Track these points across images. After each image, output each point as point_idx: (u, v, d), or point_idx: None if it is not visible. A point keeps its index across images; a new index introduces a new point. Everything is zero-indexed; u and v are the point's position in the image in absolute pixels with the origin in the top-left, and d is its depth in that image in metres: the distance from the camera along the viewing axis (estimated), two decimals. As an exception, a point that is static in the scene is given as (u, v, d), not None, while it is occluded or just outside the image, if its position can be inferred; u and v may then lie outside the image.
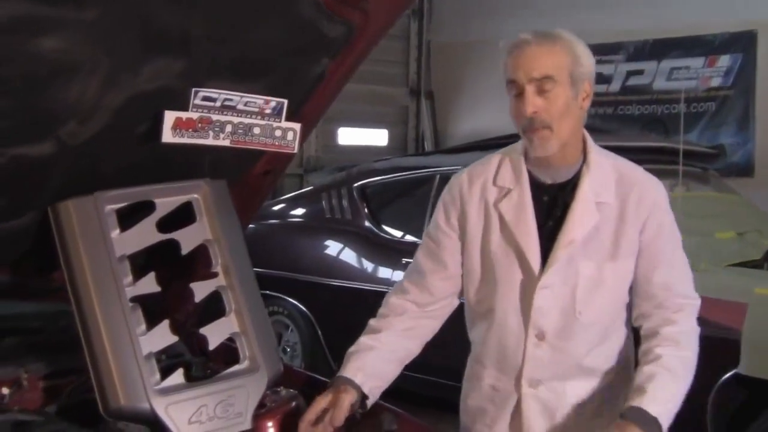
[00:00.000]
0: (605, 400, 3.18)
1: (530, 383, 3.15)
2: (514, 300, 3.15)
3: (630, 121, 12.64)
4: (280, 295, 8.05)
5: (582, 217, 3.07)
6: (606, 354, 3.18)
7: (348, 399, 3.10)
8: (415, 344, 3.34)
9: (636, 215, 3.06)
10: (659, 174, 6.99)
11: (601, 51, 12.71)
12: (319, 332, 8.07)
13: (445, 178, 7.42)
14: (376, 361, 3.23)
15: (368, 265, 7.94)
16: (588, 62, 3.04)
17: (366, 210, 8.06)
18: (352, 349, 3.29)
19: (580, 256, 3.08)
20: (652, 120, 12.48)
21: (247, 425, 3.13)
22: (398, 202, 8.29)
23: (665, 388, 2.98)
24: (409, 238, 7.81)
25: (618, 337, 3.20)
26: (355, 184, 8.17)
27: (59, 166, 3.02)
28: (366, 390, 3.17)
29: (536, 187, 3.15)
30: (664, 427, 2.93)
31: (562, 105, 2.97)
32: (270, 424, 3.23)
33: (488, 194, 3.20)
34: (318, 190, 8.61)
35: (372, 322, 3.34)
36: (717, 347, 5.26)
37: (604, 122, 12.23)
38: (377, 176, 8.20)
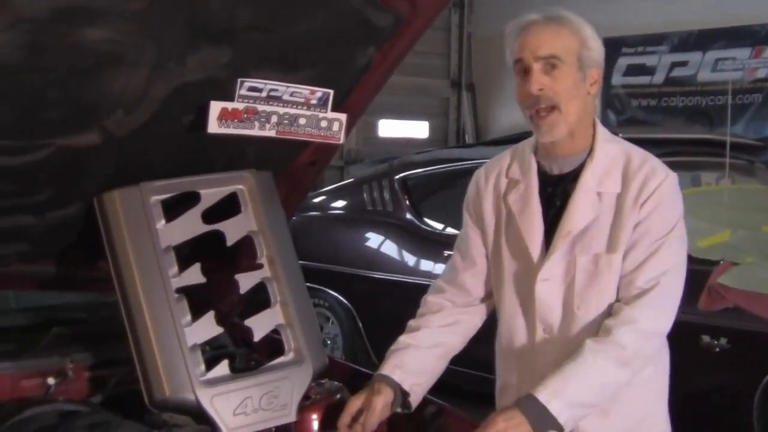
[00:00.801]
0: (615, 400, 3.02)
1: (543, 379, 3.10)
2: (519, 293, 3.13)
3: (674, 112, 12.55)
4: (321, 288, 8.03)
5: (580, 208, 3.00)
6: None
7: (381, 401, 3.07)
8: (456, 340, 3.30)
9: (634, 205, 2.95)
10: (705, 166, 7.00)
11: (644, 42, 12.66)
12: (360, 324, 8.04)
13: (488, 171, 7.47)
14: (415, 358, 3.20)
15: (409, 258, 7.90)
16: (596, 47, 2.98)
17: (407, 202, 8.02)
18: (391, 347, 3.25)
19: (579, 249, 3.01)
20: (696, 112, 12.38)
21: (292, 417, 3.12)
22: (440, 194, 8.24)
23: (565, 379, 2.84)
24: (450, 230, 7.75)
25: None
26: (397, 176, 8.12)
27: (105, 156, 3.02)
28: (406, 387, 3.14)
29: (543, 178, 3.10)
30: (558, 418, 2.80)
31: (570, 85, 2.92)
32: (315, 416, 3.23)
33: (500, 187, 3.20)
34: (359, 182, 8.58)
35: (411, 321, 3.32)
36: (765, 343, 5.21)
37: (648, 114, 12.17)
38: (419, 168, 8.16)
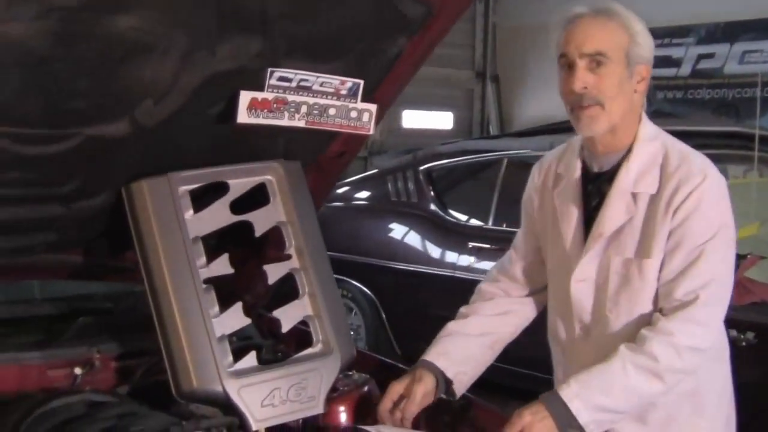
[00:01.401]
0: (653, 407, 2.98)
1: None
2: (559, 291, 3.11)
3: (700, 105, 12.49)
4: (345, 278, 8.02)
5: (613, 209, 2.95)
6: None
7: (422, 389, 3.06)
8: (507, 330, 3.28)
9: (667, 209, 2.87)
10: (732, 159, 6.95)
11: (671, 34, 12.59)
12: (383, 316, 8.04)
13: (513, 162, 7.46)
14: (461, 346, 3.19)
15: (434, 249, 7.89)
16: (646, 43, 2.90)
17: (432, 193, 8.01)
18: (439, 334, 3.25)
19: (613, 251, 2.96)
20: (723, 104, 12.32)
21: (320, 409, 3.10)
22: (465, 185, 8.25)
23: (589, 381, 2.80)
24: (475, 222, 7.75)
25: None
26: (422, 167, 8.12)
27: (134, 146, 3.00)
28: (450, 375, 3.13)
29: (586, 175, 3.07)
30: (579, 418, 2.76)
31: (615, 83, 2.85)
32: (342, 408, 3.20)
33: (549, 182, 3.18)
34: (384, 172, 8.57)
35: (462, 308, 3.32)
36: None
37: (674, 106, 12.11)
38: (444, 159, 8.15)
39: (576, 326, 3.08)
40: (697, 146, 6.35)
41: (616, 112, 2.88)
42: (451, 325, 3.26)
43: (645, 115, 3.02)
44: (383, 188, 8.35)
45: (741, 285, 5.27)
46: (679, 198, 2.84)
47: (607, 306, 2.98)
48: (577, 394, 2.79)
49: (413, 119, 14.69)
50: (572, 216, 3.06)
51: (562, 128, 5.64)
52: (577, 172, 3.07)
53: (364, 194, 8.63)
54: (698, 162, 2.92)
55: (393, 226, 8.28)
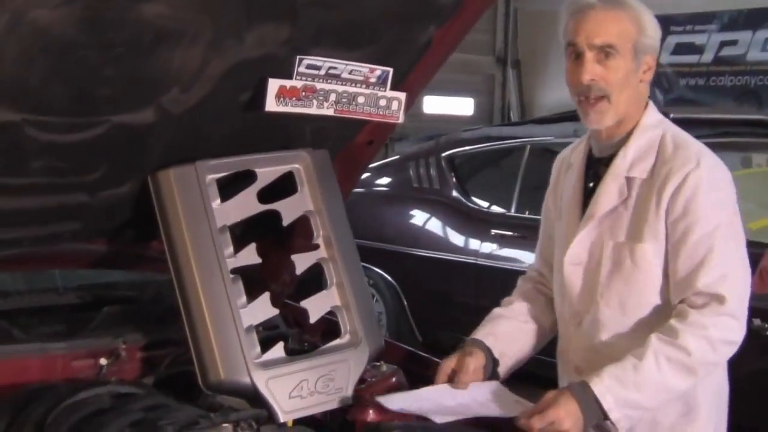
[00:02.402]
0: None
1: (576, 370, 3.06)
2: (558, 275, 3.12)
3: (722, 92, 12.41)
4: (366, 265, 7.96)
5: (606, 192, 2.96)
6: None
7: (474, 362, 3.03)
8: (549, 318, 3.26)
9: (661, 192, 2.85)
10: (756, 148, 6.90)
11: (693, 20, 12.53)
12: (405, 302, 8.01)
13: (536, 149, 7.41)
14: (505, 328, 3.20)
15: (455, 236, 7.84)
16: (654, 34, 2.90)
17: (454, 180, 7.96)
18: (486, 318, 3.25)
19: (606, 234, 2.96)
20: (745, 91, 12.24)
21: (348, 401, 3.07)
22: (487, 172, 8.21)
23: (622, 375, 2.75)
24: (497, 209, 7.71)
25: None
26: (444, 154, 8.06)
27: (160, 134, 2.97)
28: (496, 354, 3.11)
29: (589, 160, 3.09)
30: (610, 414, 2.73)
31: (622, 76, 2.86)
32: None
33: (563, 171, 3.21)
34: (405, 159, 8.52)
35: (507, 298, 3.34)
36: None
37: (696, 93, 12.05)
38: (466, 146, 8.09)
39: (569, 310, 3.09)
40: (721, 134, 6.38)
41: (622, 103, 2.89)
42: (497, 310, 3.28)
43: (651, 103, 3.03)
44: (405, 174, 8.31)
45: (765, 274, 5.24)
46: (672, 183, 2.83)
47: (599, 291, 2.97)
48: (609, 389, 2.75)
49: (434, 105, 14.65)
50: (571, 200, 3.09)
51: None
52: (582, 158, 3.10)
53: (385, 180, 8.58)
54: (693, 149, 2.90)
55: (415, 212, 8.24)
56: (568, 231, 3.06)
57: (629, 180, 2.93)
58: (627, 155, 2.94)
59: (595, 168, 3.05)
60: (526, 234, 6.97)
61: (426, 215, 8.15)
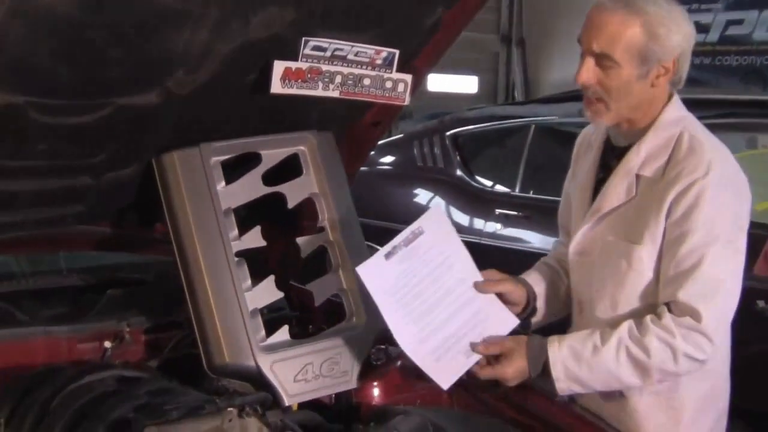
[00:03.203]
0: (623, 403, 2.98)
1: None
2: (567, 263, 3.11)
3: (727, 72, 12.36)
4: (370, 243, 7.96)
5: (615, 188, 2.91)
6: None
7: (518, 292, 3.05)
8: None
9: (665, 195, 2.78)
10: (762, 128, 6.86)
11: (699, -1, 12.47)
12: (408, 281, 7.97)
13: (541, 128, 7.37)
14: (541, 269, 3.23)
15: (459, 216, 7.80)
16: (668, 42, 2.75)
17: (458, 159, 7.92)
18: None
19: (608, 229, 2.92)
20: (750, 71, 12.20)
21: (353, 384, 3.07)
22: (492, 151, 8.15)
23: (581, 350, 2.78)
24: (501, 188, 7.68)
25: None
26: (448, 133, 8.01)
27: (165, 116, 2.94)
28: (537, 290, 3.13)
29: (605, 148, 3.05)
30: (555, 378, 2.79)
31: (621, 84, 2.77)
32: (375, 383, 3.17)
33: (583, 148, 3.18)
34: (409, 137, 8.47)
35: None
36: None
37: (701, 73, 11.97)
38: (471, 125, 8.04)
39: (575, 300, 3.09)
40: (727, 115, 6.34)
41: (623, 110, 2.84)
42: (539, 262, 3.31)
43: (676, 97, 2.92)
44: (409, 153, 8.26)
45: (767, 257, 5.23)
46: (677, 189, 2.76)
47: (594, 285, 2.96)
48: (563, 360, 2.80)
49: (438, 83, 14.61)
50: (583, 188, 3.06)
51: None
52: (600, 142, 3.06)
53: (389, 158, 8.54)
54: (708, 155, 2.79)
55: (418, 191, 8.20)
56: (576, 221, 3.05)
57: (638, 178, 2.87)
58: (641, 151, 2.87)
59: (608, 159, 3.00)
60: (530, 214, 6.95)
61: (430, 194, 8.11)
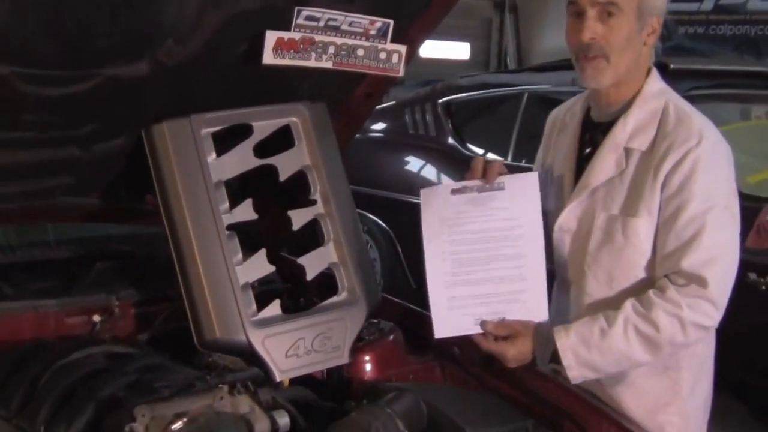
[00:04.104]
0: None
1: None
2: (548, 239, 3.04)
3: (721, 41, 12.31)
4: (360, 211, 7.91)
5: (603, 162, 2.89)
6: None
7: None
8: None
9: (659, 167, 2.78)
10: (755, 99, 6.84)
11: (694, -34, 12.40)
12: (399, 249, 7.97)
13: (534, 97, 7.34)
14: None
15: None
16: None
17: (450, 126, 7.89)
18: None
19: (599, 205, 2.90)
20: (744, 41, 12.15)
21: (345, 359, 3.04)
22: (484, 119, 8.13)
23: (589, 336, 2.77)
24: (491, 155, 7.64)
25: None
26: (440, 100, 7.99)
27: (155, 87, 2.90)
28: None
29: (585, 123, 3.03)
30: (567, 367, 2.79)
31: (624, 36, 2.76)
32: (367, 358, 3.13)
33: (556, 129, 3.16)
34: (401, 104, 8.43)
35: None
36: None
37: (695, 42, 11.93)
38: (463, 93, 8.02)
39: (558, 276, 3.08)
40: (720, 86, 6.31)
41: (622, 65, 2.81)
42: None
43: (654, 70, 2.94)
44: (401, 120, 8.24)
45: (762, 229, 5.22)
46: (671, 159, 2.76)
47: (586, 261, 2.93)
48: (572, 347, 2.79)
49: (430, 49, 14.51)
50: (565, 164, 3.03)
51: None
52: (578, 120, 3.05)
53: (380, 126, 8.50)
54: (697, 124, 2.82)
55: (410, 159, 8.18)
56: (559, 198, 3.02)
57: (627, 151, 2.86)
58: (627, 125, 2.87)
59: (592, 134, 2.98)
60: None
61: (421, 162, 8.09)
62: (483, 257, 2.88)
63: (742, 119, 7.00)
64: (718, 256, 2.75)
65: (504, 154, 7.44)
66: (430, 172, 8.01)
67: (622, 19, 2.75)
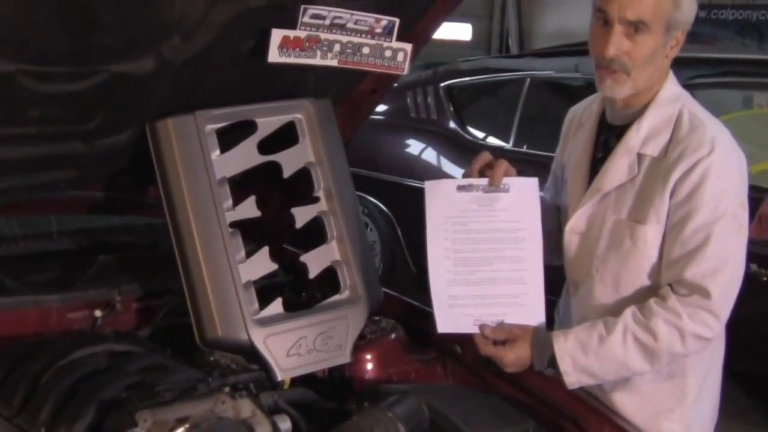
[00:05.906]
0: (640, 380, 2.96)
1: None
2: (561, 240, 3.06)
3: (723, 26, 12.28)
4: (361, 194, 7.91)
5: (616, 167, 2.88)
6: None
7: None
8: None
9: (669, 174, 2.76)
10: (758, 87, 6.82)
11: (696, -49, 12.36)
12: (399, 232, 7.97)
13: (536, 82, 7.32)
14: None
15: (451, 168, 7.75)
16: (688, 11, 2.75)
17: (452, 110, 7.87)
18: None
19: (610, 209, 2.89)
20: (746, 25, 12.11)
21: (347, 359, 3.04)
22: (485, 103, 8.11)
23: (587, 342, 2.77)
24: (491, 140, 7.63)
25: None
26: (442, 84, 7.96)
27: (160, 84, 2.89)
28: None
29: (601, 125, 3.01)
30: (564, 372, 2.78)
31: (648, 53, 2.73)
32: (369, 356, 3.13)
33: (574, 127, 3.14)
34: (403, 87, 8.37)
35: None
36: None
37: (696, 26, 11.86)
38: (465, 76, 7.99)
39: (568, 276, 3.07)
40: (723, 74, 6.28)
41: (642, 79, 2.79)
42: None
43: (672, 75, 2.91)
44: (402, 103, 8.20)
45: (764, 219, 5.21)
46: (682, 167, 2.75)
47: (594, 264, 2.93)
48: (570, 352, 2.79)
49: (431, 29, 14.52)
50: (578, 166, 3.02)
51: (585, 51, 5.53)
52: (594, 120, 3.03)
53: (381, 108, 8.45)
54: (710, 132, 2.79)
55: (411, 142, 8.16)
56: (572, 200, 3.01)
57: (640, 156, 2.85)
58: (641, 130, 2.85)
59: (607, 137, 2.97)
60: (523, 168, 6.87)
61: (422, 145, 8.07)
62: (485, 258, 2.88)
63: (744, 108, 6.99)
64: (722, 267, 2.74)
65: (505, 139, 7.43)
66: (430, 155, 7.99)
67: (648, 36, 2.71)
